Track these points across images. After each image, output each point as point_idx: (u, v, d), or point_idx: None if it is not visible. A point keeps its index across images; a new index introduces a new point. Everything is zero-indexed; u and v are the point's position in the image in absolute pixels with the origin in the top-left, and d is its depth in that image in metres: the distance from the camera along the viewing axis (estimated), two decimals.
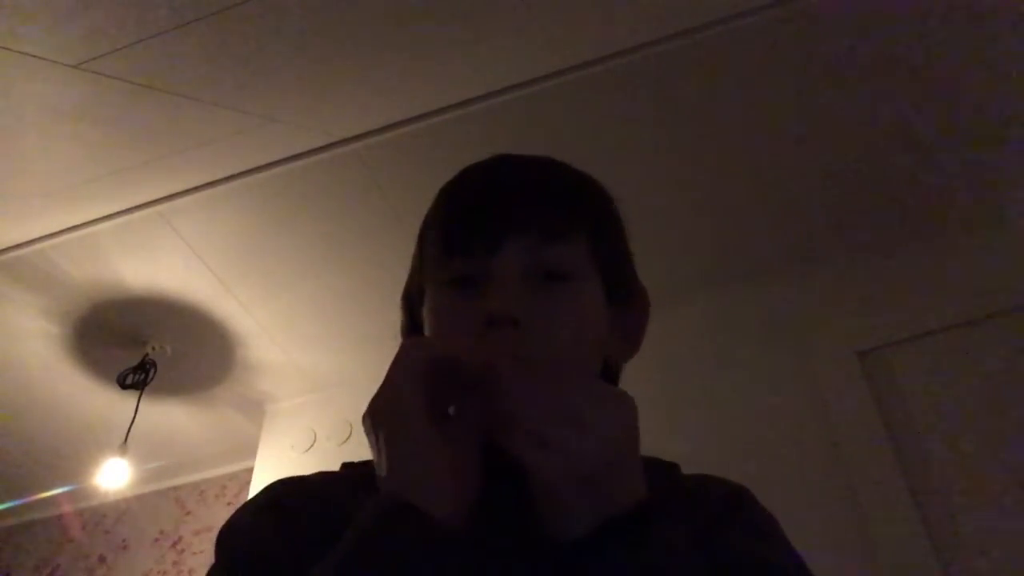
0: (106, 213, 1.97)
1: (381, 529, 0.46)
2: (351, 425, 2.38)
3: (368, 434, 0.53)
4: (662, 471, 0.64)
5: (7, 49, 1.48)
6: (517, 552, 0.53)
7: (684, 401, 1.97)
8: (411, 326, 0.69)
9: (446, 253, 0.60)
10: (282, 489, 0.60)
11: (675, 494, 0.59)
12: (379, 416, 0.52)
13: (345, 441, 2.34)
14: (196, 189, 1.93)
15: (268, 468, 2.41)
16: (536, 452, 0.46)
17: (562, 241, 0.59)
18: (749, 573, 0.52)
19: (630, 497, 0.47)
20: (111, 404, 2.45)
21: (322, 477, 0.63)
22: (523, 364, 0.50)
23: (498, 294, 0.55)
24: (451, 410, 0.55)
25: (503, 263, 0.57)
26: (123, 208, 1.96)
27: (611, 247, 0.64)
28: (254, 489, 2.37)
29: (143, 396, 2.35)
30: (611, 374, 0.64)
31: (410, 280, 0.70)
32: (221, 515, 2.68)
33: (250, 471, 2.47)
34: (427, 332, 0.61)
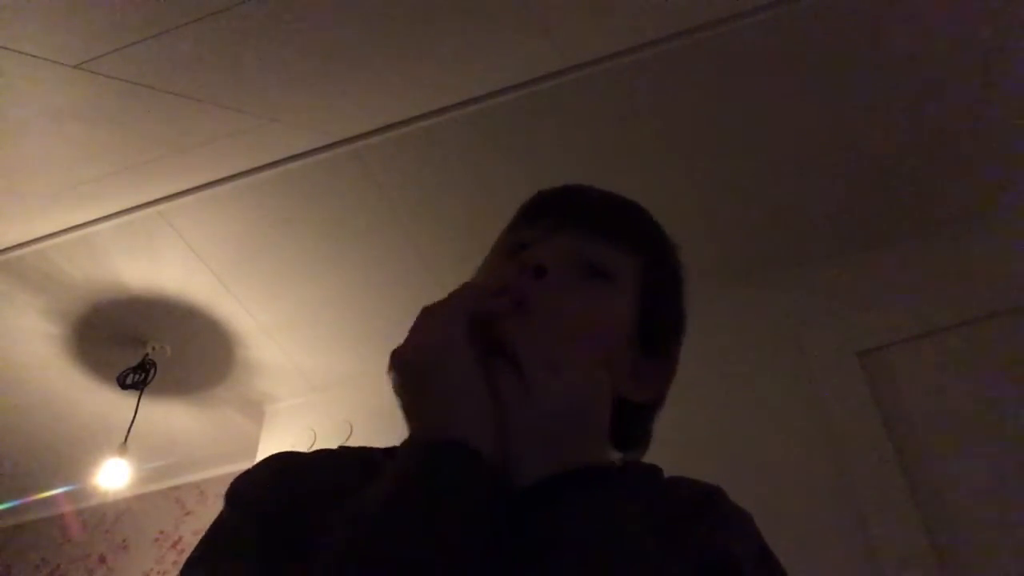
0: (106, 213, 1.97)
1: (434, 461, 0.48)
2: (351, 425, 2.37)
3: (408, 375, 0.54)
4: (641, 473, 0.66)
5: (7, 49, 1.48)
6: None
7: (684, 401, 1.96)
8: None
9: (518, 224, 0.68)
10: (287, 456, 0.64)
11: (649, 493, 0.61)
12: (430, 356, 0.53)
13: (345, 441, 2.34)
14: (196, 189, 1.93)
15: None
16: (514, 383, 0.51)
17: (610, 244, 0.64)
18: (710, 562, 0.53)
19: (584, 456, 0.50)
20: (111, 404, 2.45)
21: (322, 452, 0.67)
22: (530, 311, 0.55)
23: (537, 248, 0.61)
24: None
25: (559, 238, 0.63)
26: (123, 208, 1.96)
27: (662, 286, 0.68)
28: None
29: (143, 396, 2.35)
30: (629, 409, 0.63)
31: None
32: None
33: None
34: None
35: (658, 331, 0.67)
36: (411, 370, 0.54)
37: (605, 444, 0.54)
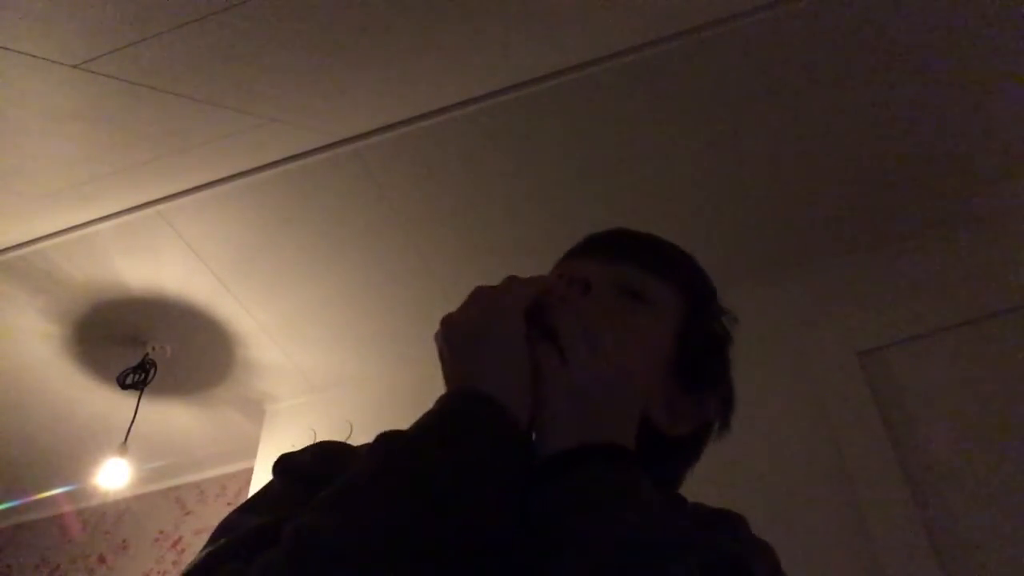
0: (106, 213, 1.97)
1: (465, 406, 0.51)
2: (351, 425, 2.37)
3: (457, 338, 0.56)
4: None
5: (7, 49, 1.48)
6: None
7: None
8: None
9: (571, 257, 0.73)
10: (331, 442, 0.67)
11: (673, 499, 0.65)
12: (481, 321, 0.56)
13: (345, 441, 2.34)
14: (196, 189, 1.93)
15: (268, 468, 2.41)
16: (554, 359, 0.55)
17: (654, 276, 0.68)
18: (723, 561, 0.54)
19: (613, 434, 0.52)
20: (111, 404, 2.45)
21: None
22: (577, 297, 0.61)
23: (586, 270, 0.66)
24: None
25: (606, 268, 0.68)
26: (123, 208, 1.96)
27: (701, 326, 0.70)
28: (254, 489, 2.37)
29: (143, 396, 2.35)
30: (661, 446, 0.64)
31: None
32: (221, 515, 2.66)
33: (250, 471, 2.47)
34: None
35: (696, 370, 0.67)
36: (460, 332, 0.56)
37: (631, 436, 0.54)
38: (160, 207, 1.96)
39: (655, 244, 0.74)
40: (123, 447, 2.33)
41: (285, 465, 0.63)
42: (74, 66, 1.53)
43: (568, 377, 0.54)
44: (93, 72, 1.55)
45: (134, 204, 1.96)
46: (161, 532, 2.74)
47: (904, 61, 1.70)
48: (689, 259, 0.76)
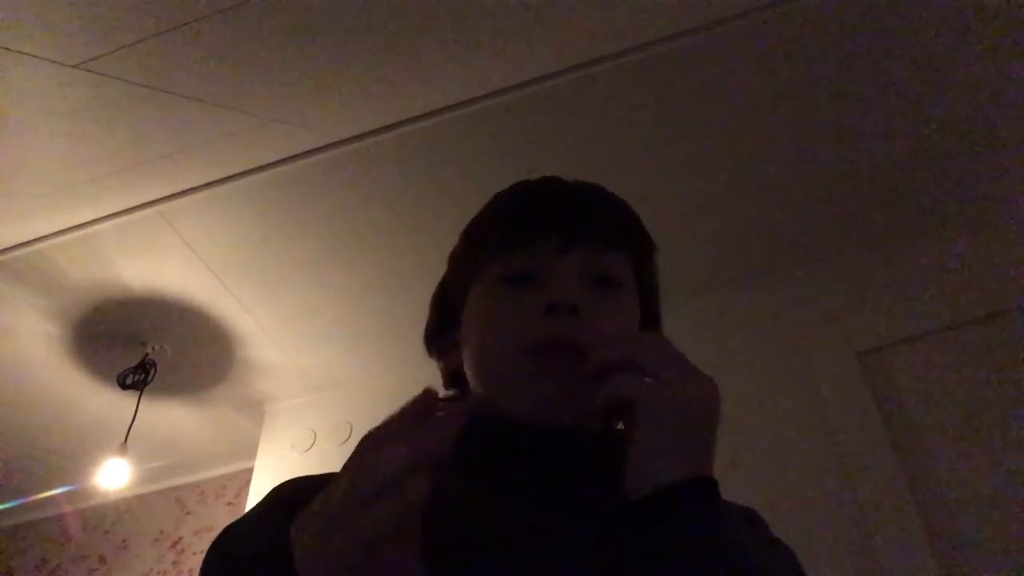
0: (106, 213, 1.97)
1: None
2: (351, 425, 2.37)
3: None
4: None
5: (7, 49, 1.48)
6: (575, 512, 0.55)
7: None
8: (441, 325, 0.70)
9: (509, 248, 0.64)
10: (284, 488, 0.60)
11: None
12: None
13: (345, 441, 2.34)
14: (196, 189, 1.93)
15: (268, 468, 2.41)
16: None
17: (616, 251, 0.65)
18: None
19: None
20: (111, 404, 2.45)
21: (326, 477, 0.62)
22: (592, 327, 0.58)
23: (562, 285, 0.60)
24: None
25: (566, 263, 0.62)
26: (123, 208, 1.96)
27: (650, 274, 0.70)
28: (254, 489, 2.37)
29: (143, 396, 2.35)
30: None
31: (449, 280, 0.72)
32: (221, 515, 2.68)
33: (250, 471, 2.47)
34: (475, 325, 0.64)
35: (653, 310, 0.70)
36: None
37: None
38: (160, 207, 1.96)
39: (598, 206, 0.68)
40: (123, 447, 2.33)
41: (224, 545, 0.54)
42: (74, 66, 1.53)
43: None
44: (93, 72, 1.55)
45: (134, 204, 1.96)
46: (161, 532, 2.74)
47: (904, 61, 1.70)
48: (628, 211, 0.70)
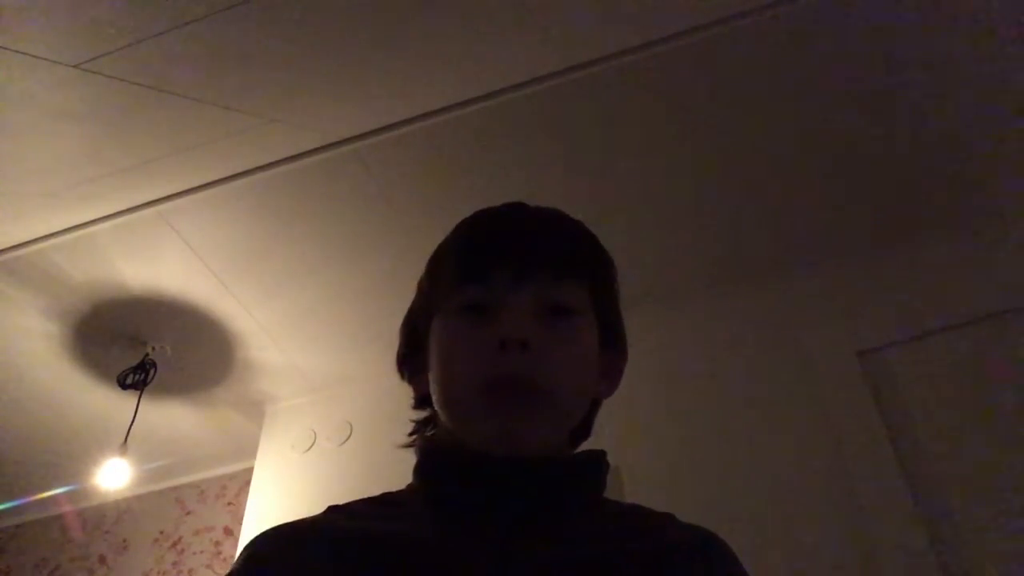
0: (106, 213, 1.97)
1: None
2: (351, 425, 2.37)
3: None
4: (593, 460, 0.68)
5: (7, 49, 1.48)
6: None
7: (684, 401, 1.97)
8: (408, 352, 0.73)
9: (464, 280, 0.66)
10: (259, 543, 0.61)
11: (613, 518, 0.66)
12: None
13: (345, 441, 2.34)
14: (196, 189, 1.93)
15: (268, 468, 2.41)
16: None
17: (570, 281, 0.66)
18: None
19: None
20: (111, 404, 2.45)
21: (303, 524, 0.63)
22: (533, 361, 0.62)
23: (511, 320, 0.62)
24: None
25: (519, 296, 0.64)
26: (123, 208, 1.96)
27: (608, 295, 0.71)
28: (254, 489, 2.37)
29: (143, 396, 2.35)
30: (594, 408, 0.72)
31: (416, 306, 0.75)
32: (221, 515, 2.68)
33: (250, 471, 2.47)
34: (435, 357, 0.66)
35: (611, 327, 0.71)
36: None
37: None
38: (160, 207, 1.96)
39: (553, 237, 0.69)
40: (123, 447, 2.33)
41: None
42: (74, 66, 1.53)
43: None
44: (93, 72, 1.55)
45: (134, 204, 1.96)
46: (161, 532, 2.74)
47: (904, 61, 1.70)
48: (585, 237, 0.72)
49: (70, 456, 2.70)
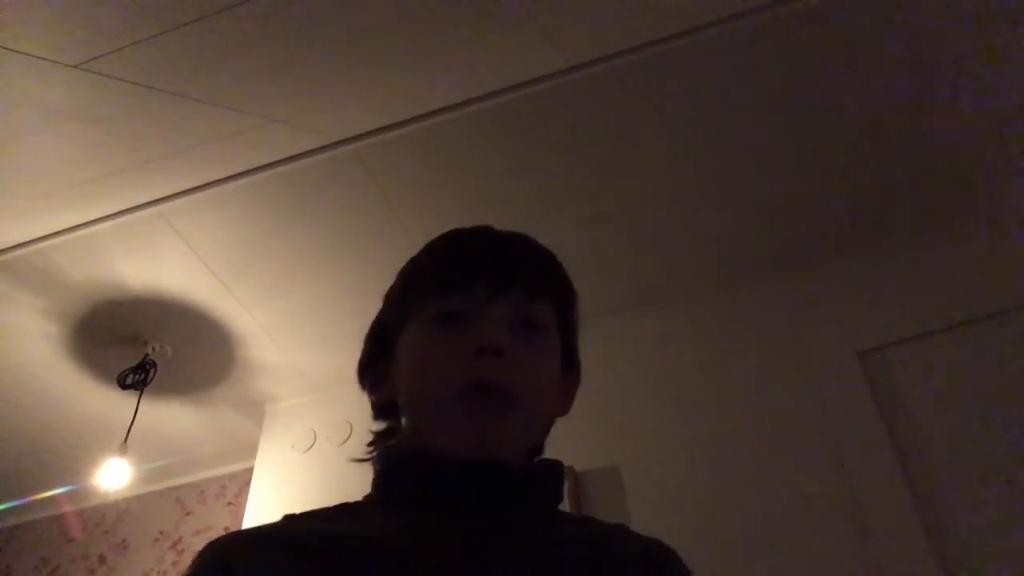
0: (106, 213, 1.97)
1: None
2: (351, 425, 2.37)
3: None
4: (551, 468, 0.70)
5: (7, 49, 1.48)
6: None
7: (684, 401, 1.96)
8: (372, 361, 0.76)
9: (444, 289, 0.69)
10: (212, 548, 0.60)
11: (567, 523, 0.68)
12: None
13: (345, 441, 2.34)
14: (196, 189, 1.93)
15: (268, 468, 2.41)
16: None
17: (541, 300, 0.70)
18: None
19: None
20: (111, 404, 2.45)
21: (259, 529, 0.62)
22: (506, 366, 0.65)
23: (489, 329, 0.65)
24: None
25: (495, 307, 0.67)
26: (123, 208, 1.96)
27: (572, 319, 0.76)
28: (254, 489, 2.37)
29: (143, 396, 2.35)
30: (550, 424, 0.76)
31: (385, 315, 0.79)
32: (221, 515, 2.68)
33: (250, 471, 2.47)
34: (408, 361, 0.69)
35: (570, 349, 0.76)
36: None
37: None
38: (160, 207, 1.96)
39: (526, 259, 0.74)
40: (123, 447, 2.33)
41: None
42: (74, 66, 1.53)
43: None
44: (93, 72, 1.55)
45: (134, 204, 1.96)
46: (161, 532, 2.74)
47: (904, 61, 1.70)
48: (554, 262, 0.76)
49: (70, 456, 2.70)
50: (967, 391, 1.76)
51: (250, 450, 2.54)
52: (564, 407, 0.75)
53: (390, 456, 0.68)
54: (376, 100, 1.76)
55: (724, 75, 1.72)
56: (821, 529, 1.67)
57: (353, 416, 2.40)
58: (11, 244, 2.01)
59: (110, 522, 2.86)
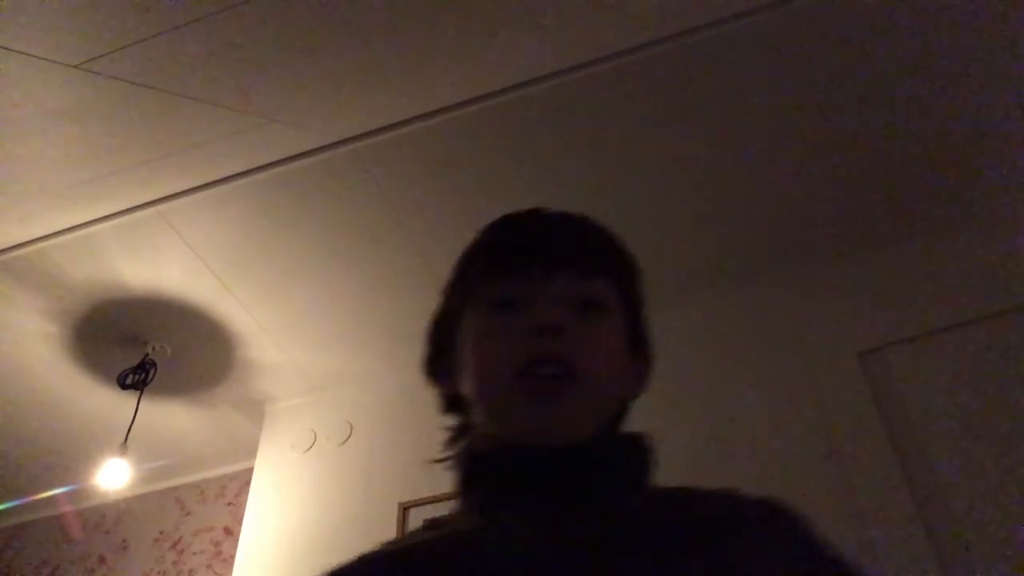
0: (106, 213, 1.97)
1: None
2: (351, 425, 2.37)
3: None
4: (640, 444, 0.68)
5: (7, 49, 1.48)
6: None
7: (684, 401, 1.96)
8: (437, 353, 0.73)
9: (497, 275, 0.67)
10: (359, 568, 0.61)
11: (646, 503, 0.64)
12: None
13: (345, 441, 2.34)
14: (196, 189, 1.93)
15: (268, 468, 2.41)
16: None
17: (599, 278, 0.67)
18: None
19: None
20: (111, 404, 2.45)
21: (400, 547, 0.63)
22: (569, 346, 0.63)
23: (547, 308, 0.63)
24: None
25: (551, 287, 0.65)
26: (123, 208, 1.96)
27: (635, 297, 0.73)
28: (254, 489, 2.37)
29: (143, 396, 2.35)
30: (623, 409, 0.72)
31: (444, 308, 0.75)
32: (221, 515, 2.68)
33: (250, 471, 2.47)
34: (468, 349, 0.67)
35: (641, 333, 0.73)
36: None
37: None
38: (160, 207, 1.96)
39: (583, 237, 0.72)
40: (123, 447, 2.33)
41: None
42: (74, 66, 1.53)
43: None
44: (93, 72, 1.55)
45: (134, 204, 1.96)
46: (161, 532, 2.74)
47: (904, 61, 1.70)
48: (613, 239, 0.74)
49: (70, 456, 2.70)
50: (967, 391, 1.76)
51: (250, 450, 2.54)
52: (634, 390, 0.72)
53: (467, 461, 0.66)
54: (376, 100, 1.76)
55: (723, 76, 1.72)
56: (821, 529, 1.67)
57: (353, 416, 2.40)
58: (11, 244, 2.02)
59: (110, 522, 2.86)
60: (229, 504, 2.70)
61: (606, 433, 0.67)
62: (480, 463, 0.64)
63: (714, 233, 2.06)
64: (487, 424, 0.65)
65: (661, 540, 0.56)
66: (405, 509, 2.04)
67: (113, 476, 2.33)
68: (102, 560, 2.76)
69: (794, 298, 2.06)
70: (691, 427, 1.91)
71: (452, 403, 0.71)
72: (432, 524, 0.65)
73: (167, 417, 2.59)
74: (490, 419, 0.64)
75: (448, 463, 0.68)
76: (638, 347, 0.72)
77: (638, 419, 0.66)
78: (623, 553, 0.55)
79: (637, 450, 0.67)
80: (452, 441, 0.71)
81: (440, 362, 0.72)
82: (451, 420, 0.72)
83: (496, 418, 0.64)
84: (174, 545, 2.68)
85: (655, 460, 0.67)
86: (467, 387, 0.66)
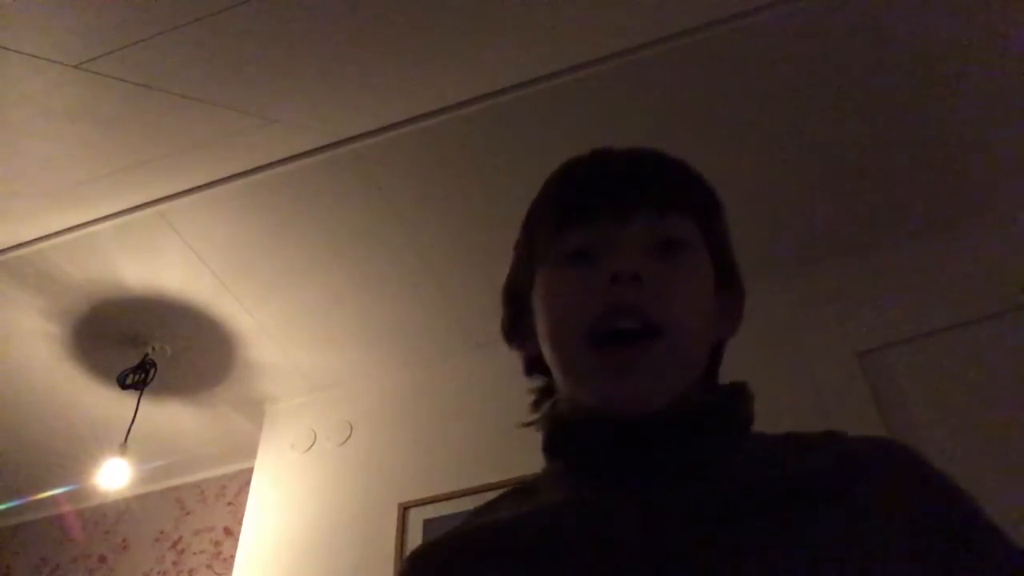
0: (106, 213, 1.97)
1: None
2: (351, 425, 2.37)
3: None
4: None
5: (7, 49, 1.48)
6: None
7: None
8: (514, 316, 0.69)
9: (568, 226, 0.62)
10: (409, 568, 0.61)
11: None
12: None
13: (345, 441, 2.34)
14: (196, 189, 1.93)
15: (268, 468, 2.41)
16: None
17: (677, 214, 0.62)
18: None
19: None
20: (111, 404, 2.45)
21: (448, 539, 0.61)
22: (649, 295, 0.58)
23: (622, 255, 0.58)
24: None
25: (625, 232, 0.60)
26: (123, 208, 1.96)
27: (719, 230, 0.68)
28: (254, 489, 2.37)
29: (143, 396, 2.35)
30: (718, 350, 0.69)
31: (515, 270, 0.71)
32: (221, 515, 2.68)
33: (250, 471, 2.47)
34: (543, 308, 0.62)
35: (725, 263, 0.68)
36: None
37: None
38: (160, 207, 1.96)
39: (655, 171, 0.66)
40: (123, 447, 2.33)
41: None
42: (74, 66, 1.53)
43: None
44: (93, 72, 1.55)
45: (134, 204, 1.96)
46: (161, 532, 2.74)
47: (904, 61, 1.70)
48: (688, 170, 0.69)
49: (70, 456, 2.70)
50: (967, 391, 1.76)
51: (250, 450, 2.54)
52: (728, 330, 0.68)
53: (552, 425, 0.62)
54: (376, 100, 1.76)
55: (723, 76, 1.72)
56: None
57: (353, 416, 2.40)
58: (11, 244, 2.02)
59: (110, 522, 2.86)
60: (229, 504, 2.70)
61: (701, 385, 0.63)
62: (563, 431, 0.61)
63: None
64: (567, 389, 0.61)
65: (765, 507, 0.51)
66: (405, 509, 2.04)
67: (113, 476, 2.33)
68: (102, 560, 2.76)
69: (794, 298, 2.06)
70: None
71: (534, 365, 0.68)
72: (521, 490, 0.63)
73: (167, 417, 2.59)
74: (568, 387, 0.61)
75: (535, 426, 0.65)
76: (727, 283, 0.67)
77: None
78: (725, 528, 0.50)
79: (735, 403, 0.63)
80: (537, 403, 0.67)
81: (517, 326, 0.68)
82: (535, 382, 0.69)
83: (574, 386, 0.60)
84: (174, 545, 2.68)
85: (752, 411, 0.64)
86: (545, 350, 0.62)
